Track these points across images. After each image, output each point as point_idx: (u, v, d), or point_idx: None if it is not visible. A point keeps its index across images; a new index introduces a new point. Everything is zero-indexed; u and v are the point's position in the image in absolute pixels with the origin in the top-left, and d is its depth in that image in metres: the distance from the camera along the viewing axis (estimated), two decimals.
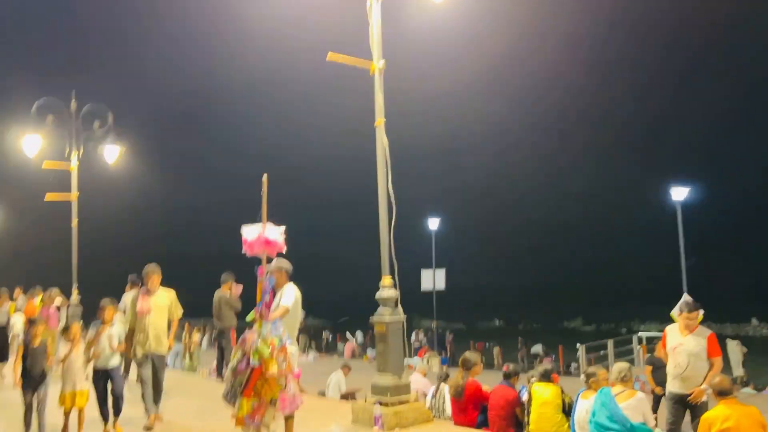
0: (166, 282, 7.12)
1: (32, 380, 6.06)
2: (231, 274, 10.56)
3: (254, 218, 5.43)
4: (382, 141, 7.17)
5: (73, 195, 14.56)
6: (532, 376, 7.10)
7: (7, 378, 10.28)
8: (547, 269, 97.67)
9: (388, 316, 6.88)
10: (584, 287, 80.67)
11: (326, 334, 32.28)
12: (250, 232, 5.42)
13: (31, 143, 14.16)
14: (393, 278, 7.03)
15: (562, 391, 6.60)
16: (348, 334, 27.33)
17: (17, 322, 11.83)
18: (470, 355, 7.16)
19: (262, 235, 5.40)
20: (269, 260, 5.62)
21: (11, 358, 10.60)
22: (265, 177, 5.55)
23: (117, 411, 6.49)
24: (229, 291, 10.41)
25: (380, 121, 7.20)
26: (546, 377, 6.65)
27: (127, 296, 11.82)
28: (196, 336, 22.26)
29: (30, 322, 6.28)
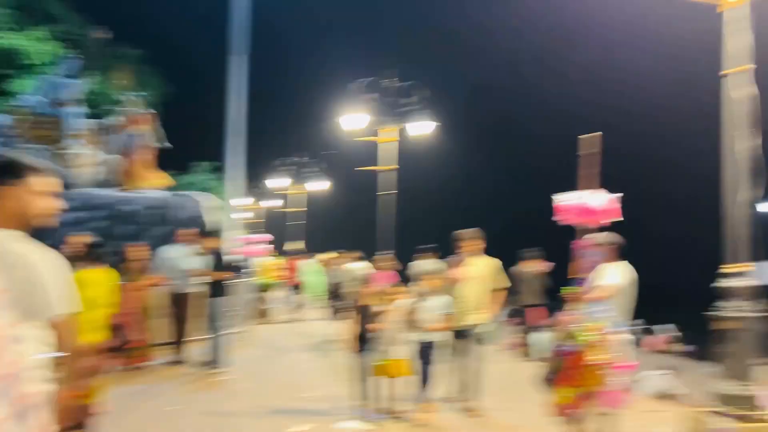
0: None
1: (363, 343, 5.86)
2: (536, 250, 9.99)
3: (573, 185, 4.77)
4: (733, 93, 5.76)
5: (391, 167, 15.70)
6: None
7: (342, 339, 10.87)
8: None
9: (737, 310, 5.58)
10: None
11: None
12: (566, 199, 4.74)
13: (355, 119, 15.69)
14: (744, 264, 5.68)
15: None
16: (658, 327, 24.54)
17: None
18: None
19: (582, 202, 4.68)
20: (590, 231, 4.86)
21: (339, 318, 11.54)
22: (586, 137, 4.87)
23: (425, 394, 6.02)
24: (534, 267, 9.86)
25: (734, 70, 5.81)
26: None
27: (419, 264, 12.13)
28: None
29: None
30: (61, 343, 2.15)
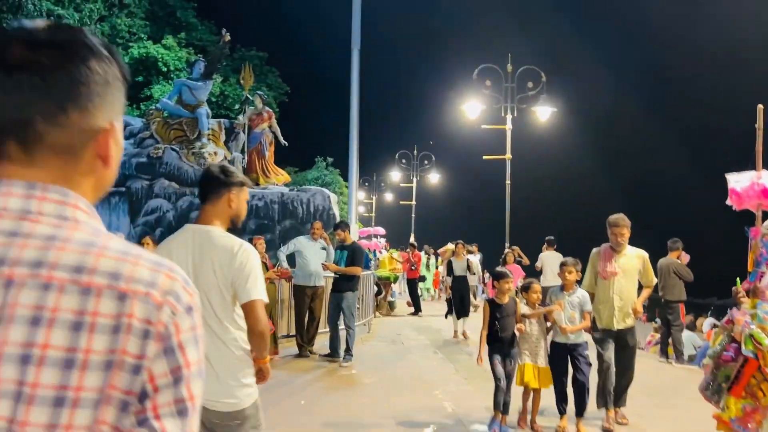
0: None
1: (502, 346, 5.15)
2: (679, 241, 9.12)
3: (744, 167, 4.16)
4: None
5: (507, 155, 15.19)
6: None
7: (471, 338, 10.19)
8: None
9: None
10: None
11: None
12: (739, 181, 4.14)
13: (472, 107, 15.31)
14: None
15: None
16: None
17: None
18: None
19: (757, 182, 4.06)
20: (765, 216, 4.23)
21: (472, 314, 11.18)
22: (760, 108, 4.22)
23: (581, 407, 5.20)
24: (676, 259, 9.00)
25: None
26: None
27: (545, 256, 11.49)
28: None
29: (496, 276, 5.55)
30: (254, 325, 2.49)
